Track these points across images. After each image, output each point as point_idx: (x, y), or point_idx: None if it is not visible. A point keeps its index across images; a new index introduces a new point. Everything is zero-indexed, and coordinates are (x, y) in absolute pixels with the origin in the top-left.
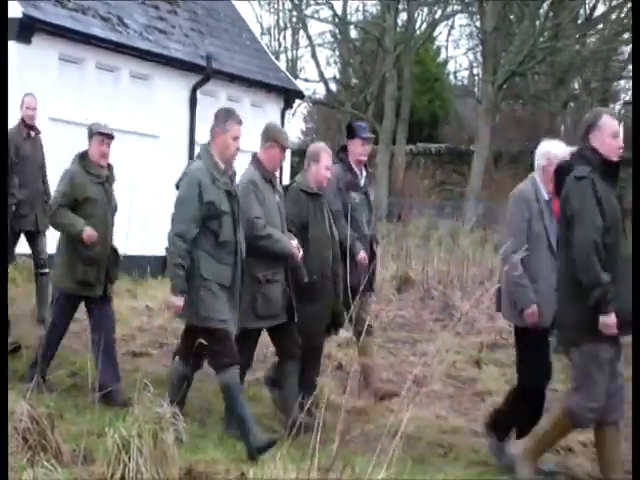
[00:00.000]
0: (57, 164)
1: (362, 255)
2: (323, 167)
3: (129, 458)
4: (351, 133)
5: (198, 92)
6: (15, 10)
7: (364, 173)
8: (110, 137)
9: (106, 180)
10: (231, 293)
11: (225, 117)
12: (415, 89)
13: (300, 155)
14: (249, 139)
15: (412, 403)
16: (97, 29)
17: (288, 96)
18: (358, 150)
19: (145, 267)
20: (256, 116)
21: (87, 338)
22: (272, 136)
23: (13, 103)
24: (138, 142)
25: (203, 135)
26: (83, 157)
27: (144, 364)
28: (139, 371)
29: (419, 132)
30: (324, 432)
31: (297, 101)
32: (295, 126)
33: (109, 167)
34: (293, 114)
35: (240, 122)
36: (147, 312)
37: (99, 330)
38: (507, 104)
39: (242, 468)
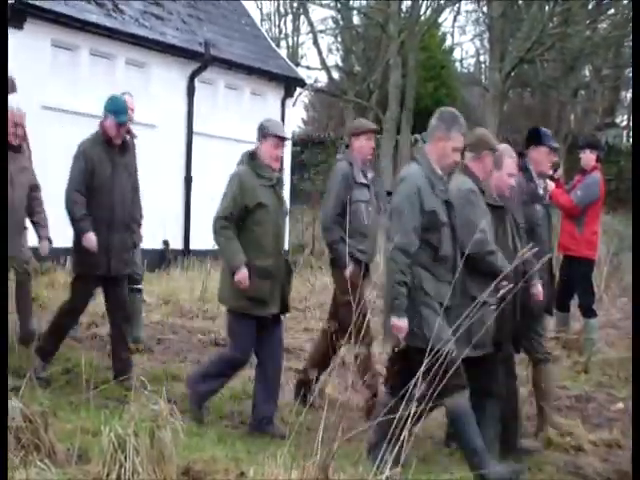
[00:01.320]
0: (49, 154)
1: (539, 289)
2: (506, 174)
3: (125, 457)
4: (536, 140)
5: (196, 80)
6: None
7: (543, 184)
8: (286, 140)
9: (277, 183)
10: (447, 314)
11: (451, 123)
12: (420, 76)
13: (301, 145)
14: (248, 129)
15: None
16: (91, 15)
17: (289, 84)
18: (544, 159)
19: (142, 260)
20: (256, 105)
21: (80, 332)
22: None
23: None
24: (135, 132)
25: (201, 124)
26: (253, 157)
27: (141, 360)
28: (136, 367)
29: (424, 121)
30: (327, 430)
31: (298, 89)
32: (296, 115)
33: (280, 170)
34: (294, 103)
35: (464, 131)
36: (145, 307)
37: (270, 358)
38: (515, 92)
39: (242, 467)
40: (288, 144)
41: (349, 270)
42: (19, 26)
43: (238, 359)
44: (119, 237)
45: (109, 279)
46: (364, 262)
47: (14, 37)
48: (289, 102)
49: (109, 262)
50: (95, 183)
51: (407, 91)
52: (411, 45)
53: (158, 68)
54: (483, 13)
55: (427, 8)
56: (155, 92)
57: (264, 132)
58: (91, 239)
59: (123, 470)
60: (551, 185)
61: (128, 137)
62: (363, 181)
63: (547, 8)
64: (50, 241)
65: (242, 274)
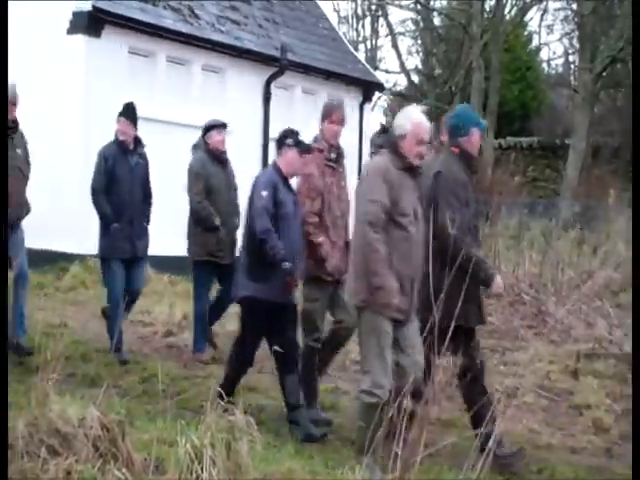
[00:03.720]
0: None
1: None
2: None
3: (202, 468)
4: None
5: (272, 85)
6: (84, 3)
7: None
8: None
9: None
10: None
11: None
12: (504, 79)
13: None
14: None
15: (502, 416)
16: (168, 21)
17: (367, 88)
18: None
19: None
20: None
21: (157, 341)
22: None
23: (80, 98)
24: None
25: (277, 130)
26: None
27: (217, 371)
28: (211, 378)
29: (509, 125)
30: (408, 444)
31: (377, 93)
32: (374, 120)
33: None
34: (372, 107)
35: None
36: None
37: None
38: (607, 93)
39: None
40: (366, 150)
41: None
42: (97, 34)
43: None
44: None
45: None
46: None
47: (92, 45)
48: (367, 107)
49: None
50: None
51: (490, 94)
52: (495, 46)
53: (234, 73)
54: (572, 11)
55: (512, 7)
56: (231, 97)
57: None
58: None
59: None
60: None
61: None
62: None
63: None
64: None
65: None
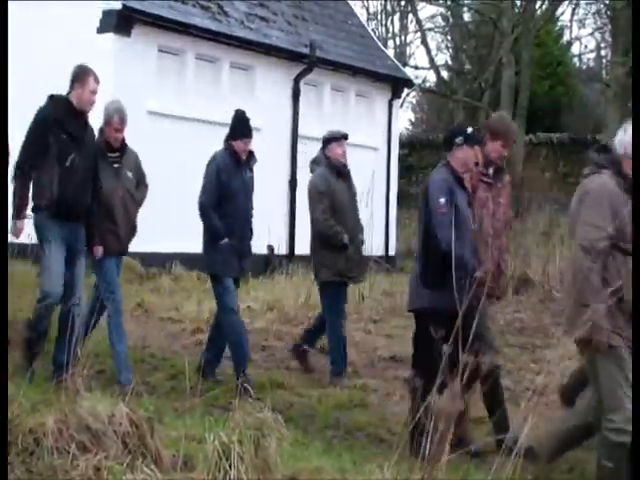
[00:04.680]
0: (156, 158)
1: None
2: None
3: (230, 465)
4: None
5: (301, 82)
6: (114, 2)
7: None
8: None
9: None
10: None
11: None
12: (535, 74)
13: (409, 147)
14: (354, 131)
15: (533, 414)
16: (197, 18)
17: (396, 85)
18: None
19: None
20: (362, 107)
21: (185, 338)
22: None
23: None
24: None
25: (306, 127)
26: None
27: None
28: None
29: (539, 121)
30: (436, 443)
31: (406, 90)
32: (404, 117)
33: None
34: (401, 104)
35: None
36: (249, 314)
37: None
38: None
39: (348, 478)
40: (395, 147)
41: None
42: (127, 33)
43: None
44: None
45: None
46: None
47: (122, 43)
48: (396, 103)
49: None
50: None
51: (521, 90)
52: (525, 41)
53: (263, 71)
54: (605, 4)
55: (543, 1)
56: (260, 95)
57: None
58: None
59: (228, 477)
60: None
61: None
62: None
63: None
64: None
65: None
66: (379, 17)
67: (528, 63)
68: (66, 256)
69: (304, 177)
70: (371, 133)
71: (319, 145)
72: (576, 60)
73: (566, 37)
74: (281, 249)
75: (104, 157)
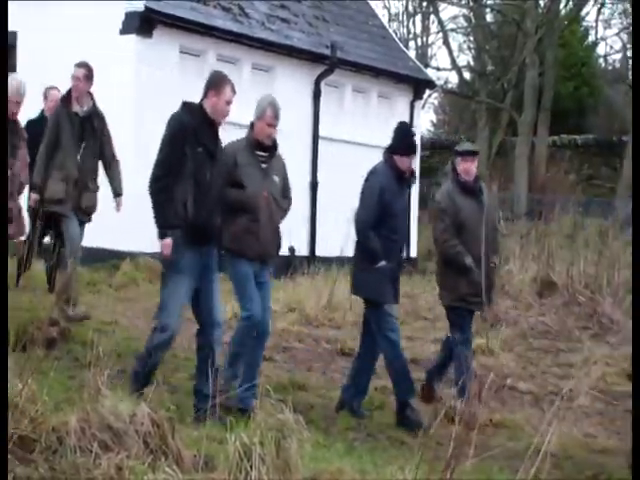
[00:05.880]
0: None
1: None
2: None
3: (251, 466)
4: None
5: (322, 83)
6: (137, 3)
7: None
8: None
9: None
10: None
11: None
12: (559, 75)
13: (430, 149)
14: (375, 133)
15: (557, 419)
16: (218, 20)
17: (418, 86)
18: None
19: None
20: (383, 108)
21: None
22: None
23: (131, 97)
24: None
25: (327, 128)
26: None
27: (267, 369)
28: (261, 376)
29: (563, 122)
30: (459, 446)
31: (427, 91)
32: (425, 118)
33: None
34: (423, 105)
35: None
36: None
37: None
38: None
39: None
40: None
41: None
42: (149, 34)
43: None
44: None
45: None
46: None
47: (144, 45)
48: (418, 105)
49: None
50: None
51: (545, 91)
52: (549, 42)
53: (284, 72)
54: (631, 4)
55: (567, 1)
56: (281, 96)
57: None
58: None
59: (249, 479)
60: None
61: None
62: None
63: None
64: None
65: None
66: (401, 18)
67: (552, 64)
68: (199, 284)
69: (325, 179)
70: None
71: (339, 146)
72: (601, 61)
73: (591, 37)
74: (302, 250)
75: (252, 155)
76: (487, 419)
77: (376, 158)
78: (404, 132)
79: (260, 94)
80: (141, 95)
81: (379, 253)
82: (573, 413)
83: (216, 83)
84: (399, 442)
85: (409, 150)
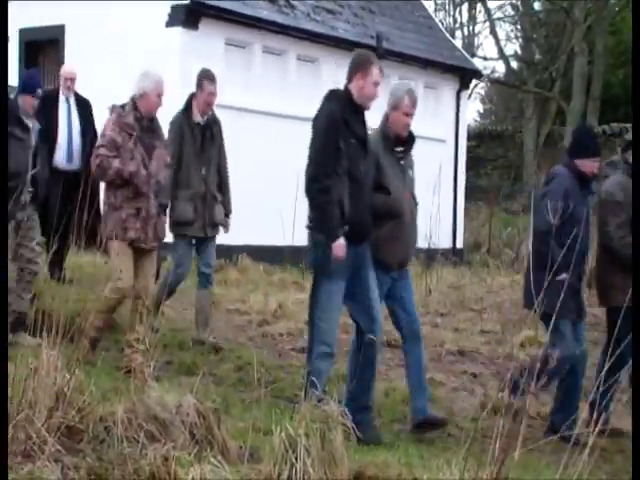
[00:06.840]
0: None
1: None
2: None
3: (296, 458)
4: None
5: None
6: None
7: None
8: None
9: None
10: None
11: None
12: (609, 63)
13: (477, 139)
14: (422, 123)
15: (606, 413)
16: (264, 11)
17: (464, 76)
18: None
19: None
20: (430, 98)
21: (252, 330)
22: None
23: (177, 90)
24: (307, 129)
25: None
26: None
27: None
28: (305, 368)
29: (613, 111)
30: (505, 439)
31: (474, 81)
32: (472, 108)
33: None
34: (470, 95)
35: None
36: None
37: None
38: None
39: (415, 473)
40: (463, 139)
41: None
42: (194, 26)
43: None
44: None
45: None
46: None
47: (189, 37)
48: (465, 94)
49: None
50: None
51: (594, 79)
52: (599, 29)
53: (329, 63)
54: None
55: None
56: (326, 87)
57: None
58: None
59: (294, 471)
60: None
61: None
62: None
63: None
64: None
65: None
66: (447, 7)
67: (602, 52)
68: (354, 286)
69: None
70: (439, 125)
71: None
72: None
73: None
74: None
75: (391, 152)
76: (535, 412)
77: (423, 148)
78: (587, 134)
79: (306, 85)
80: (187, 88)
81: (562, 264)
82: (624, 405)
83: (362, 64)
84: (446, 434)
85: (593, 152)
